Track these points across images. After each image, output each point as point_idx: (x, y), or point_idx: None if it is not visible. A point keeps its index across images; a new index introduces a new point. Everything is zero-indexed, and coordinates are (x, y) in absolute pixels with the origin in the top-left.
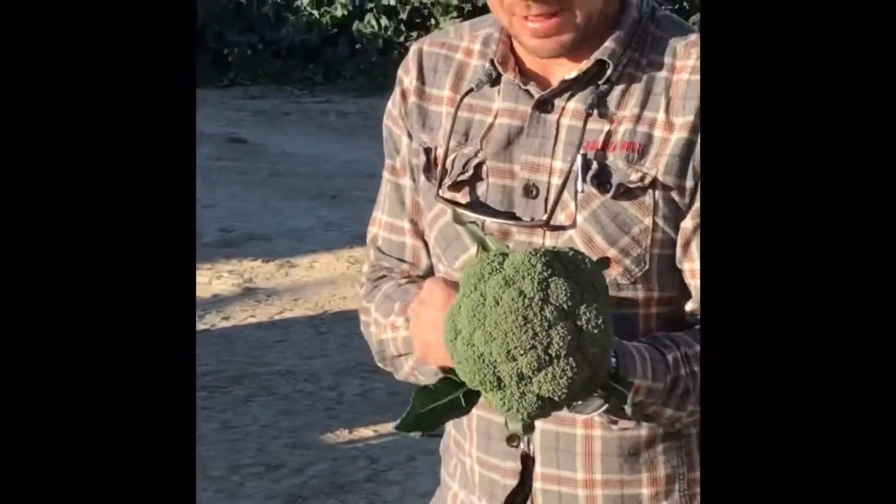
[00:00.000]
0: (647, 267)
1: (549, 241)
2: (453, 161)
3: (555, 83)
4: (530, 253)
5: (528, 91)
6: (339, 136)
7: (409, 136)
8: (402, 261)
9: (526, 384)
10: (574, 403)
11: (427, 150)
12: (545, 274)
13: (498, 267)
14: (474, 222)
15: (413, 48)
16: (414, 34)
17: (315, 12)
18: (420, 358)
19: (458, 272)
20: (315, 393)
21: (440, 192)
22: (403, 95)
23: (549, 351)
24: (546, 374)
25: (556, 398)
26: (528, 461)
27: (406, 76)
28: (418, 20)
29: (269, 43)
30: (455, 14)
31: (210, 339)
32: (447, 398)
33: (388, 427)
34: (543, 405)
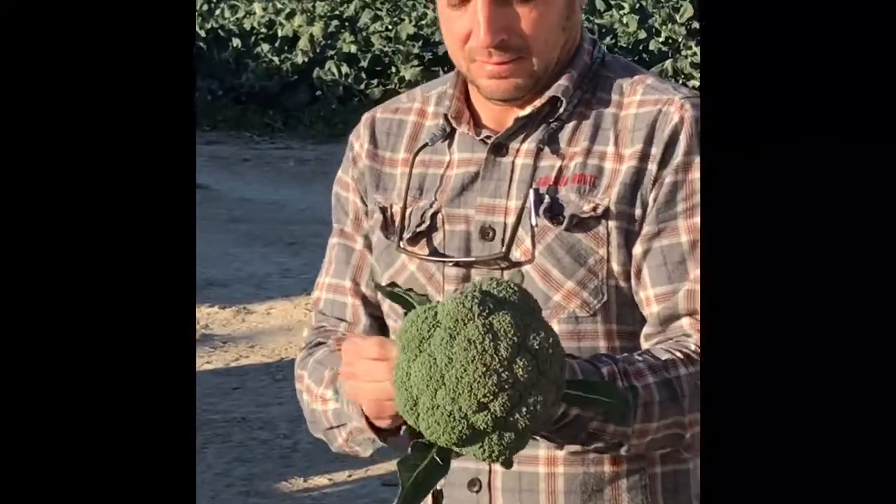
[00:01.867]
0: (605, 298)
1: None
2: (409, 215)
3: None
4: (460, 298)
5: (482, 140)
6: (297, 182)
7: (363, 199)
8: (342, 320)
9: (503, 426)
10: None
11: (383, 209)
12: (484, 314)
13: (433, 321)
14: (393, 283)
15: (365, 116)
16: (374, 82)
17: (275, 59)
18: (374, 414)
19: None
20: (270, 441)
21: (401, 244)
22: (354, 160)
23: (517, 387)
24: (521, 410)
25: (533, 428)
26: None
27: (357, 141)
28: (379, 68)
29: (229, 89)
30: (416, 62)
31: None
32: (424, 462)
33: (343, 476)
34: (522, 438)
